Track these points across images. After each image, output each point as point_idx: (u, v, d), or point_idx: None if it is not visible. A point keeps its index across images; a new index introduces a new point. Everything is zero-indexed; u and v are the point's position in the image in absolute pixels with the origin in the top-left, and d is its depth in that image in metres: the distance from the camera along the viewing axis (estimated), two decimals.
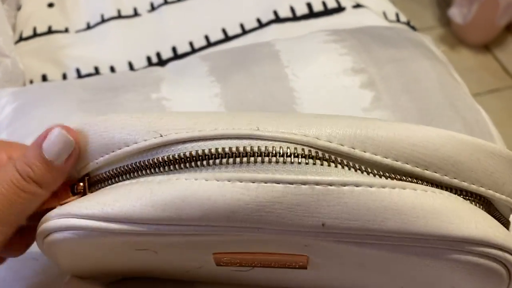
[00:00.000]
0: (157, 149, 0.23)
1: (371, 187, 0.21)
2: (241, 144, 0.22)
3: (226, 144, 0.22)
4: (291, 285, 0.29)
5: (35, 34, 0.59)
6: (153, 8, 0.60)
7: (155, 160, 0.23)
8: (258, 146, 0.22)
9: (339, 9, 0.56)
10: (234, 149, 0.22)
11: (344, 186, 0.21)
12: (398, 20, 0.57)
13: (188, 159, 0.22)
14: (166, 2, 0.59)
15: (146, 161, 0.23)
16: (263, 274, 0.27)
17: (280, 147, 0.22)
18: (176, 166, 0.23)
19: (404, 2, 1.53)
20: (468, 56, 1.42)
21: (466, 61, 1.33)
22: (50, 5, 0.62)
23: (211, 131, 0.22)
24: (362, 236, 0.22)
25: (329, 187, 0.21)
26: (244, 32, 0.55)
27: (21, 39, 0.58)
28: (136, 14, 0.59)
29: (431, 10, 1.55)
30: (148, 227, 0.22)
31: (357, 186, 0.21)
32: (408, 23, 0.57)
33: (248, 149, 0.22)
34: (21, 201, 0.24)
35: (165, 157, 0.23)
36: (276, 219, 0.21)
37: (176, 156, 0.23)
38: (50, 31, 0.59)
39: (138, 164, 0.24)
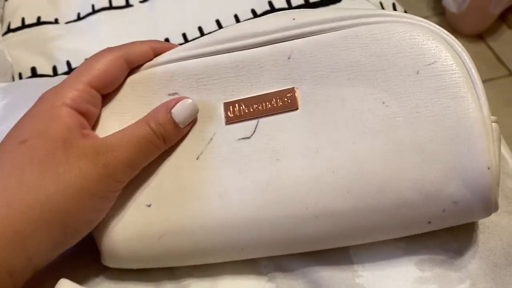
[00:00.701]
0: None
1: None
2: None
3: None
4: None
5: (23, 25, 0.57)
6: None
7: None
8: None
9: None
10: None
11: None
12: (395, 10, 0.56)
13: None
14: None
15: None
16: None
17: None
18: None
19: None
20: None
21: None
22: None
23: None
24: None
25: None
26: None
27: (9, 30, 0.56)
28: (128, 4, 0.58)
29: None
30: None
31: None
32: (405, 13, 0.57)
33: None
34: (149, 152, 0.30)
35: None
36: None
37: None
38: (39, 22, 0.57)
39: None
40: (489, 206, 0.28)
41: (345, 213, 0.28)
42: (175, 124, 0.30)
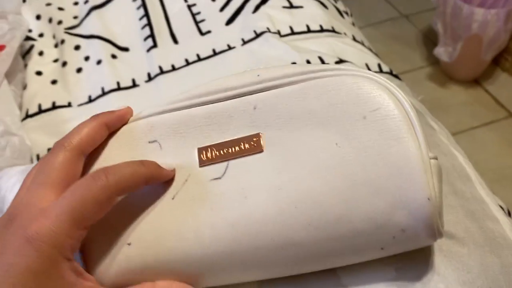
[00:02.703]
0: None
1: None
2: None
3: None
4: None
5: (40, 111, 0.62)
6: (150, 78, 0.63)
7: None
8: None
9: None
10: None
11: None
12: (380, 71, 0.60)
13: None
14: (162, 72, 0.63)
15: None
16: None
17: None
18: None
19: (393, 45, 1.57)
20: (459, 92, 1.44)
21: (458, 96, 1.35)
22: (54, 82, 0.66)
23: None
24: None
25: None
26: None
27: (27, 116, 0.61)
28: (134, 85, 0.63)
29: (419, 50, 1.59)
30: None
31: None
32: (391, 72, 0.61)
33: None
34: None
35: None
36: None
37: None
38: (54, 107, 0.62)
39: None
40: (433, 232, 0.31)
41: (307, 243, 0.31)
42: None
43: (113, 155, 0.36)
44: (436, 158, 0.32)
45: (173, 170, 0.34)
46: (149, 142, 0.36)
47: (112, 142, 0.36)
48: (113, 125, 0.36)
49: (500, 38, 1.25)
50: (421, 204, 0.30)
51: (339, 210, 0.31)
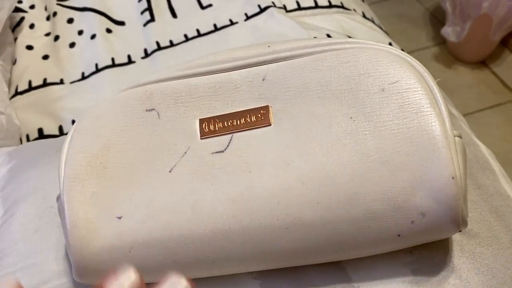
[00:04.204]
0: None
1: None
2: None
3: None
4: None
5: (30, 88, 0.59)
6: (147, 54, 0.61)
7: None
8: None
9: None
10: None
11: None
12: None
13: None
14: (159, 48, 0.60)
15: None
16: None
17: None
18: None
19: (399, 24, 1.54)
20: (465, 73, 1.41)
21: (464, 78, 1.32)
22: (45, 57, 0.63)
23: None
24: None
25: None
26: None
27: (16, 93, 0.58)
28: (130, 61, 0.60)
29: (425, 30, 1.56)
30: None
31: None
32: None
33: None
34: None
35: None
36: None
37: None
38: (45, 84, 0.59)
39: None
40: (457, 218, 0.28)
41: (315, 224, 0.29)
42: None
43: (108, 122, 0.33)
44: (460, 136, 0.30)
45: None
46: (147, 110, 0.34)
47: (107, 109, 0.34)
48: None
49: (511, 18, 1.22)
50: (445, 183, 0.27)
51: (351, 189, 0.28)
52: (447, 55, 1.43)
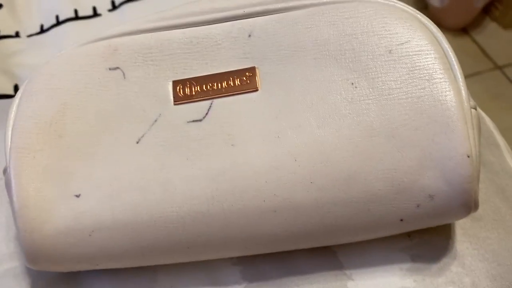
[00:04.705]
0: None
1: None
2: None
3: None
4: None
5: None
6: (114, 6, 0.56)
7: None
8: None
9: None
10: None
11: None
12: None
13: None
14: (128, 0, 0.55)
15: None
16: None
17: None
18: None
19: None
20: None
21: None
22: None
23: None
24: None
25: None
26: None
27: None
28: (95, 14, 0.56)
29: None
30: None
31: None
32: None
33: None
34: None
35: None
36: None
37: None
38: None
39: None
40: (469, 201, 0.25)
41: (308, 206, 0.25)
42: None
43: (64, 82, 0.29)
44: (475, 108, 0.26)
45: None
46: (110, 69, 0.29)
47: (63, 66, 0.29)
48: None
49: None
50: (458, 162, 0.24)
51: (350, 167, 0.25)
52: None
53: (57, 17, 0.55)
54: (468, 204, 0.25)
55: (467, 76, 0.26)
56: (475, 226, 0.30)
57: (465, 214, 0.26)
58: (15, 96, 0.29)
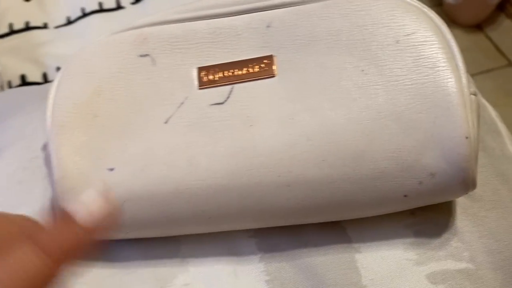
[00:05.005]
0: None
1: None
2: None
3: None
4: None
5: (11, 31, 0.56)
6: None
7: None
8: None
9: None
10: None
11: None
12: None
13: None
14: None
15: None
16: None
17: None
18: None
19: None
20: (460, 36, 1.40)
21: (459, 41, 1.30)
22: None
23: None
24: None
25: None
26: None
27: None
28: (119, 7, 0.58)
29: None
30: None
31: None
32: None
33: None
34: None
35: None
36: None
37: None
38: (27, 27, 0.56)
39: None
40: (467, 179, 0.27)
41: (319, 182, 0.27)
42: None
43: (99, 67, 0.31)
44: (475, 95, 0.28)
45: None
46: (140, 56, 0.31)
47: (98, 53, 0.32)
48: None
49: None
50: (458, 143, 0.26)
51: (359, 147, 0.27)
52: (443, 17, 1.41)
53: (83, 9, 0.56)
54: (466, 182, 0.27)
55: (480, 73, 0.28)
56: (475, 206, 0.32)
57: (464, 191, 0.28)
58: (54, 79, 0.32)
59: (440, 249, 0.30)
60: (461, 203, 0.32)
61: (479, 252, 0.30)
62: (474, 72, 1.24)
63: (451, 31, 0.30)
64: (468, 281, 0.29)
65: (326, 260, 0.31)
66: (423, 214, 0.31)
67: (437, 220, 0.31)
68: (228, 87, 0.30)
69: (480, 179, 0.33)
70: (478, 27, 1.34)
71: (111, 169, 0.29)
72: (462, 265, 0.30)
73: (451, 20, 1.36)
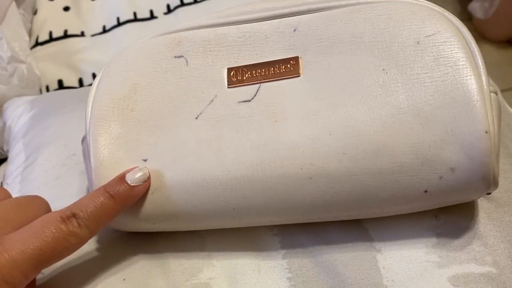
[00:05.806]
0: None
1: None
2: None
3: None
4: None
5: (51, 39, 0.59)
6: (169, 10, 0.60)
7: None
8: None
9: None
10: None
11: None
12: None
13: None
14: (182, 4, 0.59)
15: None
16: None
17: None
18: None
19: None
20: (490, 52, 1.38)
21: (489, 56, 1.29)
22: (66, 8, 0.63)
23: None
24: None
25: None
26: None
27: (37, 43, 0.59)
28: (152, 16, 0.60)
29: (451, 5, 1.52)
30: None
31: None
32: None
33: None
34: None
35: None
36: None
37: None
38: (66, 35, 0.59)
39: None
40: (487, 175, 0.27)
41: (340, 175, 0.28)
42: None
43: (136, 66, 0.33)
44: (496, 93, 0.29)
45: (147, 181, 0.30)
46: (175, 57, 0.33)
47: (136, 54, 0.34)
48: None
49: None
50: (477, 137, 0.26)
51: (379, 141, 0.28)
52: (473, 32, 1.39)
53: (118, 19, 0.59)
54: (486, 178, 0.27)
55: (510, 89, 0.29)
56: (499, 211, 0.32)
57: (485, 188, 0.28)
58: (95, 78, 0.34)
59: (463, 252, 0.30)
60: (485, 207, 0.32)
61: (502, 256, 0.30)
62: (505, 88, 1.22)
63: (481, 46, 0.30)
64: (491, 285, 0.29)
65: (347, 259, 0.31)
66: (446, 218, 0.31)
67: (460, 224, 0.31)
68: (255, 86, 0.31)
69: (505, 184, 0.33)
70: (509, 42, 1.32)
71: (145, 160, 0.30)
72: (485, 269, 0.30)
73: (481, 35, 1.34)
